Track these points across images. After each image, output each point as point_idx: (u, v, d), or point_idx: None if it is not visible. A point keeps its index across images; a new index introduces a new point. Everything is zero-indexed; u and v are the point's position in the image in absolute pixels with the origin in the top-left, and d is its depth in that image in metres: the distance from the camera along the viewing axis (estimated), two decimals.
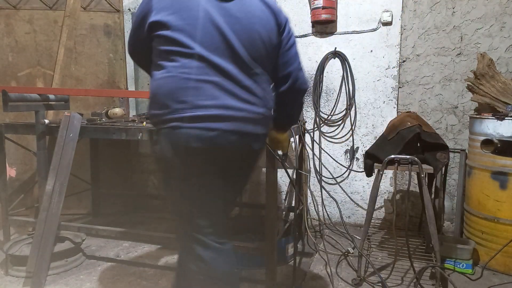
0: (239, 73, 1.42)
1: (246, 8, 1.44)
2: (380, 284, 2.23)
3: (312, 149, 3.24)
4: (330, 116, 3.20)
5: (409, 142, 2.26)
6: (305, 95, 1.71)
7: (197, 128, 1.38)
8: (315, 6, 3.01)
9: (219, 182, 1.52)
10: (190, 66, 1.40)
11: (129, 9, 3.57)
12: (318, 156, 3.24)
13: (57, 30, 3.26)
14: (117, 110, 2.87)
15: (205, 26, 1.39)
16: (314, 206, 3.26)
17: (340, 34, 3.12)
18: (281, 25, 1.53)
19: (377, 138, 2.68)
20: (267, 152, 2.03)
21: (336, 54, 3.12)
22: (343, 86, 3.14)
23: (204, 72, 1.39)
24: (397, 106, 3.04)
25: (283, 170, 2.00)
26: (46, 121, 2.53)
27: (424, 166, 2.18)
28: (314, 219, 3.24)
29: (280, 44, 1.54)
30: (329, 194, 3.27)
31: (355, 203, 3.22)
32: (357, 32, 3.07)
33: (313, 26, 3.17)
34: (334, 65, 3.15)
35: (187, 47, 1.39)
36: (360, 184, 3.19)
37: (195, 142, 1.39)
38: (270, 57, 1.53)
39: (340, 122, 3.19)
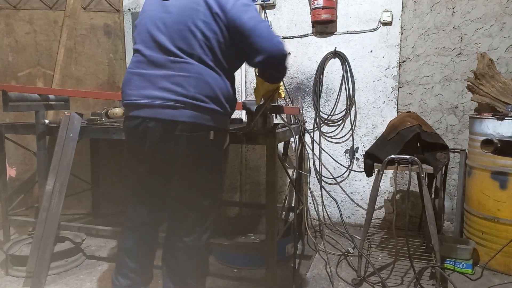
0: (165, 64, 1.54)
1: (180, 3, 1.55)
2: (380, 284, 2.23)
3: (312, 149, 3.24)
4: (330, 116, 3.20)
5: (409, 142, 2.26)
6: (285, 60, 1.63)
7: (128, 117, 1.62)
8: (315, 6, 3.01)
9: (157, 172, 1.67)
10: (132, 61, 1.64)
11: (129, 9, 3.57)
12: (318, 156, 3.24)
13: (57, 30, 3.26)
14: (117, 110, 2.87)
15: (145, 24, 1.61)
16: (314, 206, 3.26)
17: (340, 34, 3.12)
18: (212, 7, 1.51)
19: (377, 138, 2.68)
20: (267, 151, 2.04)
21: (336, 54, 3.12)
22: (343, 86, 3.14)
23: (137, 66, 1.60)
24: (397, 106, 3.04)
25: (283, 170, 2.00)
26: (46, 121, 2.53)
27: (424, 166, 2.18)
28: (314, 219, 3.24)
29: (228, 26, 1.53)
30: (329, 194, 3.27)
31: (355, 203, 3.22)
32: (357, 32, 3.07)
33: (313, 26, 3.17)
34: (334, 65, 3.15)
35: (134, 44, 1.66)
36: (360, 184, 3.19)
37: (127, 130, 1.65)
38: (215, 43, 1.54)
39: (340, 122, 3.19)
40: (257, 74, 1.87)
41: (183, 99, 1.51)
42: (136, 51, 1.63)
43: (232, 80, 1.68)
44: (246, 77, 3.37)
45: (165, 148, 1.59)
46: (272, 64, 1.61)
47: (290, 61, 3.25)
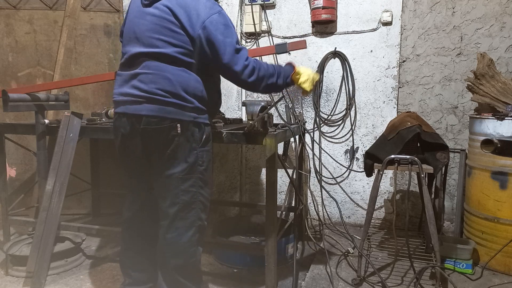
0: (135, 63, 1.68)
1: (155, 12, 1.66)
2: (380, 284, 2.22)
3: (312, 149, 3.24)
4: (330, 116, 3.20)
5: (409, 142, 2.26)
6: (263, 82, 1.76)
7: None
8: (315, 6, 3.01)
9: (137, 166, 1.79)
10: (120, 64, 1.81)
11: None
12: (318, 156, 3.24)
13: (57, 30, 3.26)
14: None
15: (127, 28, 1.77)
16: (314, 206, 3.26)
17: (340, 34, 3.12)
18: (185, 27, 1.62)
19: (377, 138, 2.68)
20: (267, 151, 2.04)
21: (336, 54, 3.12)
22: (343, 86, 3.14)
23: (120, 68, 1.78)
24: (397, 106, 3.04)
25: (283, 170, 2.00)
26: (46, 121, 2.53)
27: (424, 166, 2.18)
28: (314, 219, 3.23)
29: (198, 40, 1.64)
30: (329, 194, 3.27)
31: (355, 203, 3.22)
32: (357, 32, 3.07)
33: (313, 26, 3.17)
34: (334, 65, 3.15)
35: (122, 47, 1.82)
36: (360, 184, 3.19)
37: (112, 126, 1.83)
38: (181, 48, 1.64)
39: (340, 122, 3.19)
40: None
41: (145, 94, 1.64)
42: (122, 54, 1.80)
43: (208, 78, 1.74)
44: None
45: (136, 142, 1.71)
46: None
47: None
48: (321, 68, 3.16)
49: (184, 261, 1.74)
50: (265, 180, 2.13)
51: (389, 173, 2.99)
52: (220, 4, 1.77)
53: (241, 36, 3.34)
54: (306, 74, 1.88)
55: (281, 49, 2.06)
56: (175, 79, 1.63)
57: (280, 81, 1.82)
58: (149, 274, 1.90)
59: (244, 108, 2.72)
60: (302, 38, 3.19)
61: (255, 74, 1.72)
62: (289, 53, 3.24)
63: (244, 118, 3.16)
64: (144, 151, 1.72)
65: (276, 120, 3.16)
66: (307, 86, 1.89)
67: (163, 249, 1.76)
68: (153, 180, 1.77)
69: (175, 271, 1.74)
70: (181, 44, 1.63)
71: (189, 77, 1.66)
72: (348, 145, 3.19)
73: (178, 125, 1.64)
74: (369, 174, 2.37)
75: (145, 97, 1.63)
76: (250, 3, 3.19)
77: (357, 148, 3.17)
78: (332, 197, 3.27)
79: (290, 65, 1.89)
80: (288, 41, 3.22)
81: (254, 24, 3.20)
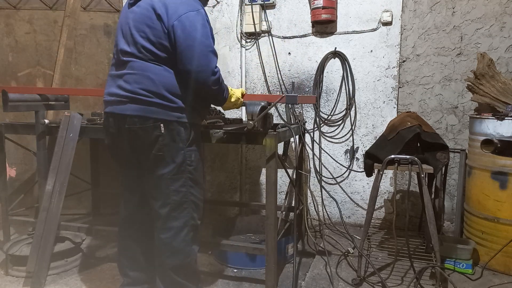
0: (121, 64, 1.71)
1: (138, 10, 1.70)
2: (380, 284, 2.22)
3: (312, 149, 3.24)
4: (330, 116, 3.20)
5: (409, 142, 2.26)
6: (215, 90, 1.73)
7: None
8: (315, 6, 3.01)
9: (127, 166, 1.81)
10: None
11: None
12: (318, 156, 3.24)
13: (57, 30, 3.26)
14: None
15: (117, 30, 1.82)
16: (314, 206, 3.26)
17: (340, 34, 3.12)
18: (162, 19, 1.63)
19: (377, 138, 2.68)
20: (267, 151, 2.04)
21: (336, 54, 3.12)
22: (343, 86, 3.14)
23: (111, 68, 1.80)
24: (397, 106, 3.04)
25: (283, 170, 2.00)
26: (46, 121, 2.53)
27: (424, 166, 2.18)
28: (314, 219, 3.23)
29: (169, 38, 1.64)
30: (329, 194, 3.27)
31: (355, 203, 3.22)
32: (357, 32, 3.07)
33: (313, 26, 3.17)
34: (334, 65, 3.15)
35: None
36: (360, 184, 3.19)
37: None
38: (161, 46, 1.65)
39: (340, 122, 3.19)
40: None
41: (129, 94, 1.66)
42: (112, 54, 1.86)
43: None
44: (246, 77, 3.37)
45: (124, 141, 1.72)
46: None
47: (290, 61, 3.25)
48: (321, 68, 3.16)
49: (180, 261, 1.75)
50: (265, 180, 2.12)
51: (389, 173, 2.99)
52: (216, 5, 1.78)
53: (241, 36, 3.34)
54: (233, 94, 1.96)
55: (292, 100, 2.12)
56: (158, 79, 1.64)
57: (226, 95, 1.86)
58: (147, 273, 1.90)
59: (244, 108, 2.72)
60: (302, 38, 3.20)
61: (220, 83, 1.74)
62: (290, 54, 3.25)
63: (244, 118, 3.16)
64: (132, 151, 1.74)
65: (276, 120, 3.16)
66: (236, 103, 1.99)
67: (158, 250, 1.77)
68: (144, 181, 1.77)
69: (172, 271, 1.74)
70: (157, 40, 1.63)
71: (171, 76, 1.66)
72: (348, 145, 3.19)
73: (161, 124, 1.64)
74: (369, 174, 2.37)
75: (129, 97, 1.65)
76: (250, 3, 3.19)
77: (357, 148, 3.17)
78: (332, 197, 3.27)
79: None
80: (288, 40, 3.23)
81: (254, 24, 3.20)
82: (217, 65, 1.71)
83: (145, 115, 1.64)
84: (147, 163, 1.71)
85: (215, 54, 1.70)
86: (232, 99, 1.94)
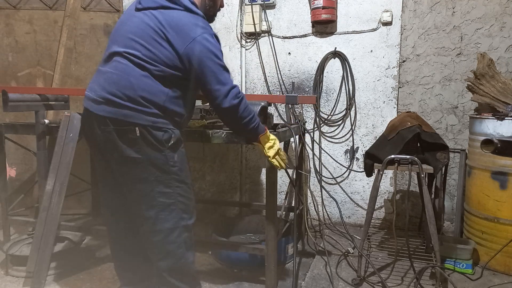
0: (107, 61, 1.67)
1: (143, 18, 1.65)
2: (380, 284, 2.22)
3: (312, 149, 3.24)
4: (330, 116, 3.20)
5: (409, 142, 2.26)
6: (239, 116, 1.70)
7: None
8: (315, 6, 3.01)
9: (104, 167, 1.75)
10: None
11: None
12: (318, 156, 3.24)
13: (57, 30, 3.26)
14: None
15: (115, 28, 1.75)
16: (314, 206, 3.26)
17: (340, 34, 3.12)
18: (168, 37, 1.60)
19: (377, 138, 2.68)
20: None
21: (336, 54, 3.12)
22: (343, 86, 3.14)
23: (100, 63, 1.74)
24: (397, 106, 3.04)
25: (283, 170, 2.00)
26: (46, 121, 2.53)
27: (424, 166, 2.18)
28: (314, 219, 3.23)
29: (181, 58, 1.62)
30: (329, 194, 3.27)
31: (355, 203, 3.22)
32: (357, 32, 3.07)
33: (313, 26, 3.17)
34: (334, 65, 3.15)
35: None
36: (360, 184, 3.19)
37: None
38: (160, 54, 1.61)
39: (340, 122, 3.19)
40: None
41: (105, 94, 1.61)
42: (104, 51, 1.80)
43: (178, 89, 1.68)
44: (246, 77, 3.37)
45: (96, 141, 1.68)
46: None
47: (290, 61, 3.25)
48: (321, 68, 3.16)
49: (173, 263, 1.71)
50: (265, 180, 2.12)
51: (389, 173, 2.99)
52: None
53: (241, 36, 3.34)
54: (274, 142, 1.88)
55: (292, 100, 2.11)
56: (137, 84, 1.59)
57: (253, 125, 1.78)
58: (141, 273, 1.88)
59: None
60: (302, 38, 3.20)
61: (239, 99, 1.69)
62: (290, 54, 3.25)
63: None
64: (102, 153, 1.70)
65: (276, 120, 3.16)
66: (271, 153, 1.87)
67: (151, 252, 1.74)
68: (124, 186, 1.70)
69: (167, 274, 1.71)
70: (160, 56, 1.60)
71: (152, 85, 1.61)
72: (348, 145, 3.19)
73: (137, 128, 1.59)
74: (369, 174, 2.37)
75: (105, 98, 1.60)
76: (250, 3, 3.19)
77: (357, 148, 3.17)
78: (332, 197, 3.27)
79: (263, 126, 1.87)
80: (288, 40, 3.23)
81: (254, 24, 3.20)
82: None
83: (119, 118, 1.59)
84: (121, 168, 1.66)
85: (227, 70, 1.69)
86: (270, 143, 1.87)
